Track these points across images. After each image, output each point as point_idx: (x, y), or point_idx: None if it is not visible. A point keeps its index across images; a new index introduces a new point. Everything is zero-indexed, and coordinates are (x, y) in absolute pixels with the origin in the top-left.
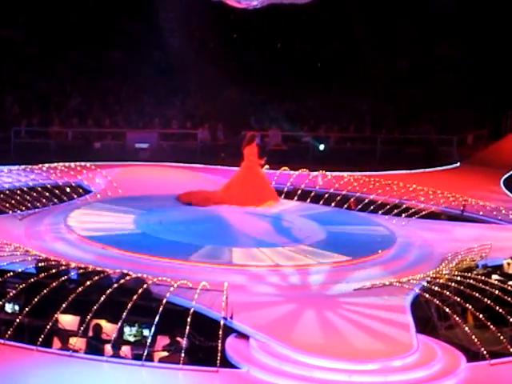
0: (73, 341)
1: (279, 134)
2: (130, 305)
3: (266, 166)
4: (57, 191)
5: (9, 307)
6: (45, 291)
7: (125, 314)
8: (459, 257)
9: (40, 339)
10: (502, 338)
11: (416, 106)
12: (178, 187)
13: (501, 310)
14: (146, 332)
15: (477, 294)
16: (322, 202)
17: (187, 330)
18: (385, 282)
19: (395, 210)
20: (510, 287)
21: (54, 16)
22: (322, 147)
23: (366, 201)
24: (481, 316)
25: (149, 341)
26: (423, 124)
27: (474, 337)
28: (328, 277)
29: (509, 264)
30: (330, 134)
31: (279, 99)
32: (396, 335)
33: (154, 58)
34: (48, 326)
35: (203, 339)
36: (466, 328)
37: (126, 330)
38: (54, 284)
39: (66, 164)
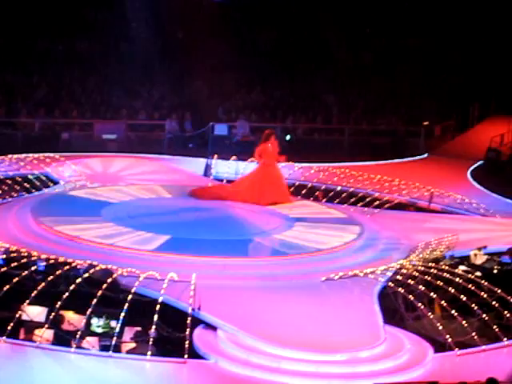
0: (40, 332)
1: (247, 125)
2: (97, 296)
3: (283, 163)
4: (25, 183)
5: None
6: (12, 282)
7: (92, 305)
8: (427, 248)
9: (6, 330)
10: (468, 328)
11: (383, 97)
12: (146, 178)
13: (467, 301)
14: (113, 323)
15: (444, 285)
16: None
17: (155, 321)
18: (352, 272)
19: (362, 202)
20: (476, 278)
21: (20, 6)
22: (288, 138)
23: (333, 192)
24: (448, 307)
25: (116, 332)
26: (391, 115)
27: (441, 327)
28: (296, 268)
29: (475, 255)
30: (297, 125)
31: (247, 90)
32: (364, 326)
33: (121, 48)
34: (15, 317)
35: (171, 330)
36: (433, 319)
37: (94, 321)
38: (22, 275)
39: (34, 155)
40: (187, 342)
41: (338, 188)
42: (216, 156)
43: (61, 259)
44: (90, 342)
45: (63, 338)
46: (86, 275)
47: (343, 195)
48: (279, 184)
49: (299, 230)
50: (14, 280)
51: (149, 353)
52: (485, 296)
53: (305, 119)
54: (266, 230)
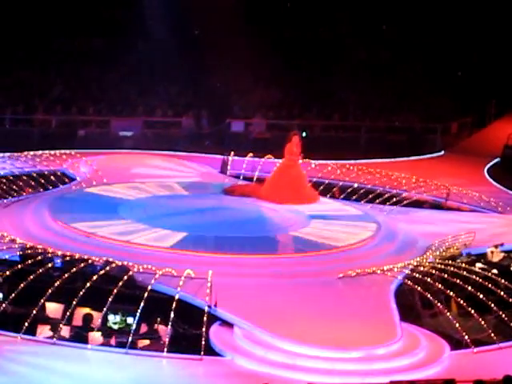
0: (57, 329)
1: (264, 122)
2: (114, 293)
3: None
4: (41, 179)
5: None
6: (29, 279)
7: (109, 302)
8: (443, 245)
9: (24, 327)
10: (485, 325)
11: (400, 94)
12: (162, 174)
13: (484, 298)
14: (130, 320)
15: (460, 282)
16: None
17: (171, 318)
18: (369, 270)
19: (379, 199)
20: (493, 275)
21: (37, 3)
22: (304, 135)
23: (350, 189)
24: (464, 304)
25: (133, 329)
26: (407, 112)
27: (457, 325)
28: (312, 266)
29: (492, 252)
30: (314, 123)
31: (264, 87)
32: (380, 323)
33: (138, 46)
34: (32, 314)
35: (187, 327)
36: (450, 316)
37: (110, 317)
38: (39, 272)
39: (51, 152)
40: (204, 339)
41: (355, 185)
42: (232, 153)
43: (77, 256)
44: (107, 338)
45: (80, 335)
46: (103, 272)
47: (360, 192)
48: (299, 185)
49: (316, 226)
50: (31, 277)
51: (165, 349)
52: (501, 293)
53: (322, 116)
54: (283, 227)
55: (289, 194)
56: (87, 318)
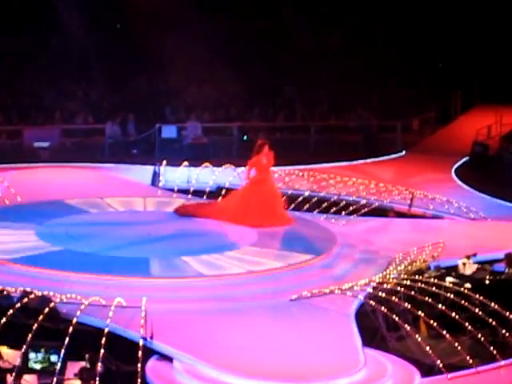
0: None
1: (199, 125)
2: (34, 327)
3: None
4: None
5: None
6: None
7: (29, 338)
8: (408, 258)
9: None
10: (459, 348)
11: (352, 88)
12: (85, 190)
13: (457, 317)
14: (53, 358)
15: (430, 300)
16: None
17: (101, 354)
18: (325, 289)
19: (334, 208)
20: (466, 290)
21: None
22: (245, 138)
23: (301, 198)
24: (435, 324)
25: (58, 368)
26: (362, 109)
27: (428, 348)
28: (261, 286)
29: (464, 264)
30: (256, 124)
31: (197, 86)
32: (340, 350)
33: (51, 43)
34: None
35: (120, 363)
36: (419, 338)
37: (31, 356)
38: None
39: None
40: (139, 376)
41: (306, 194)
42: (164, 162)
43: None
44: (28, 380)
45: None
46: (20, 304)
47: (312, 201)
48: (272, 204)
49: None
50: None
51: None
52: (477, 311)
53: (265, 117)
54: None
55: (260, 216)
56: (4, 358)
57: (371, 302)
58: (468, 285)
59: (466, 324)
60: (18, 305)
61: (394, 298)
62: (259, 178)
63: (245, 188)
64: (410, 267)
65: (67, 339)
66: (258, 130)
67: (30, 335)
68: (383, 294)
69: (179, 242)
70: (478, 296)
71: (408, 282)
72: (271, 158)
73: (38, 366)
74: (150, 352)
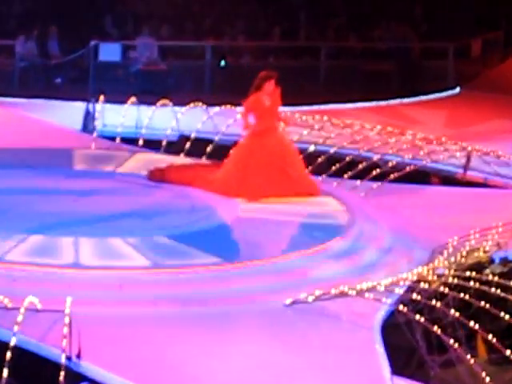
0: None
1: (154, 44)
2: None
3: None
4: None
5: None
6: None
7: None
8: (463, 247)
9: None
10: None
11: None
12: None
13: None
14: None
15: (492, 308)
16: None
17: (4, 378)
18: (336, 291)
19: (352, 170)
20: None
21: None
22: (222, 63)
23: (304, 155)
24: (499, 344)
25: None
26: (397, 24)
27: (488, 379)
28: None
29: None
30: (240, 43)
31: None
32: (359, 379)
33: None
34: None
35: None
36: (476, 364)
37: None
38: None
39: None
40: None
41: (311, 148)
42: (102, 97)
43: None
44: None
45: None
46: None
47: (319, 160)
48: (282, 165)
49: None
50: None
51: None
52: None
53: (251, 33)
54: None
55: (267, 183)
56: None
57: (405, 309)
58: None
59: None
60: None
61: (439, 304)
62: (261, 129)
63: (242, 145)
64: (463, 259)
65: None
66: (242, 51)
67: None
68: (423, 299)
69: (126, 221)
70: None
71: (461, 282)
72: (277, 97)
73: None
74: (75, 376)
